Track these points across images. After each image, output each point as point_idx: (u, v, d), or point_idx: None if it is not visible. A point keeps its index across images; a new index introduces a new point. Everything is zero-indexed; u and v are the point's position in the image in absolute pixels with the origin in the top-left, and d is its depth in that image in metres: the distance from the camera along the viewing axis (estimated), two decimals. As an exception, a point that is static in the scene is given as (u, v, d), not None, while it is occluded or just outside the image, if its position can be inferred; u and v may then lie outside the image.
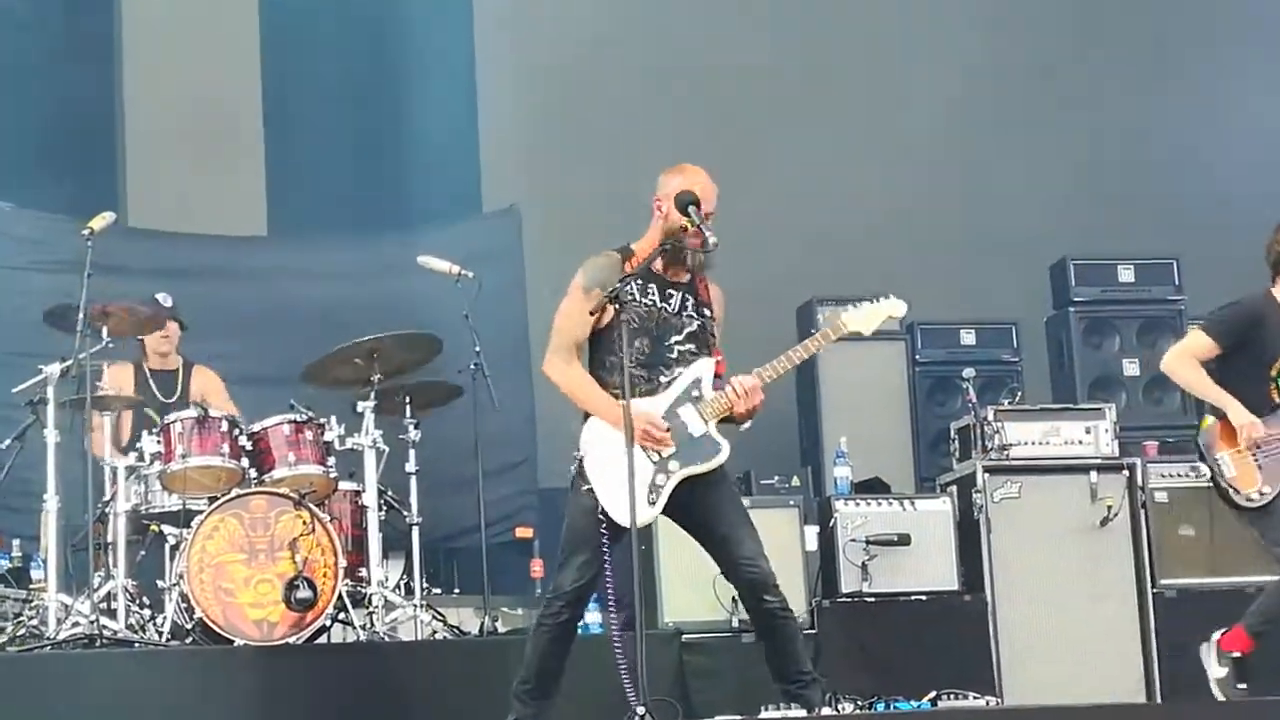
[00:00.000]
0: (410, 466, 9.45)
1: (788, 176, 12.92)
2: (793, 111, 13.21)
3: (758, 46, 13.31)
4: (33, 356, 9.44)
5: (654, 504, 7.03)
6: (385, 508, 9.43)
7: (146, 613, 8.94)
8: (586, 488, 7.04)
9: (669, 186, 7.18)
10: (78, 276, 9.02)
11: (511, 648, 8.62)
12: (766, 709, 7.09)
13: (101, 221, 9.17)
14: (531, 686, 7.10)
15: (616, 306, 7.00)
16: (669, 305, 7.18)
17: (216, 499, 8.87)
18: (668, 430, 7.02)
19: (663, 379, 7.12)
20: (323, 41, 12.98)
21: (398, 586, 9.49)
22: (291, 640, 8.66)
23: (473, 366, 9.68)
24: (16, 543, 9.67)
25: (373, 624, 9.03)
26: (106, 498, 9.09)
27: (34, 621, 8.75)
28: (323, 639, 8.95)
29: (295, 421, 9.16)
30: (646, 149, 11.48)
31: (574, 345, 7.14)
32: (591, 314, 7.06)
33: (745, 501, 7.28)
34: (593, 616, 9.42)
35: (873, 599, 9.58)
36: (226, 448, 9.05)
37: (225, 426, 9.11)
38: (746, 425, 7.23)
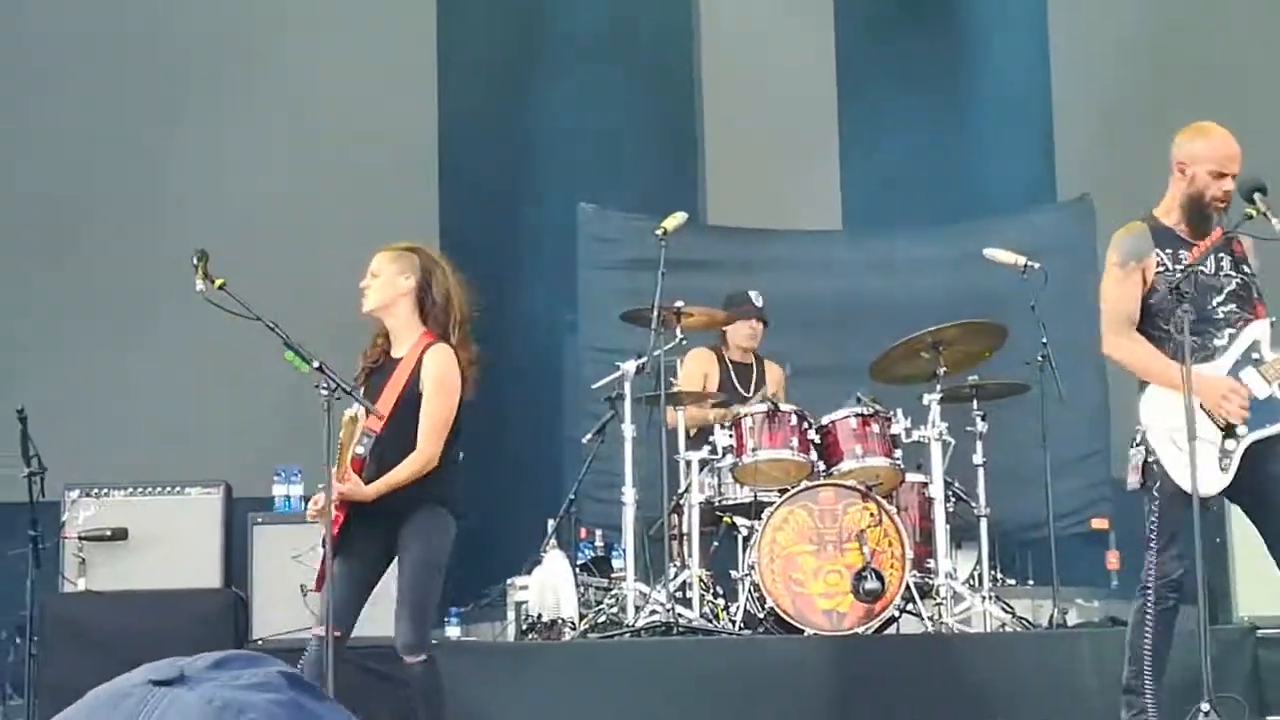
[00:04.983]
0: (977, 458, 9.42)
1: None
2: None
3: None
4: (613, 352, 9.87)
5: (1226, 470, 6.90)
6: (953, 499, 9.43)
7: (720, 602, 9.18)
8: (1153, 460, 6.95)
9: (1193, 150, 7.11)
10: (654, 274, 9.36)
11: (1081, 640, 8.59)
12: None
13: (674, 221, 9.49)
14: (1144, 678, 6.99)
15: (1159, 272, 6.99)
16: (1205, 267, 7.06)
17: (786, 491, 9.06)
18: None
19: (1215, 343, 7.01)
20: (894, 31, 13.03)
21: (970, 578, 9.51)
22: (860, 631, 8.78)
23: (1040, 359, 9.58)
24: (599, 533, 10.05)
25: (940, 615, 9.09)
26: (681, 489, 9.37)
27: (614, 609, 9.10)
28: (891, 630, 9.03)
29: (862, 415, 9.25)
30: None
31: (1127, 321, 7.09)
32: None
33: None
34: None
35: None
36: (795, 441, 9.19)
37: (794, 420, 9.25)
38: None
